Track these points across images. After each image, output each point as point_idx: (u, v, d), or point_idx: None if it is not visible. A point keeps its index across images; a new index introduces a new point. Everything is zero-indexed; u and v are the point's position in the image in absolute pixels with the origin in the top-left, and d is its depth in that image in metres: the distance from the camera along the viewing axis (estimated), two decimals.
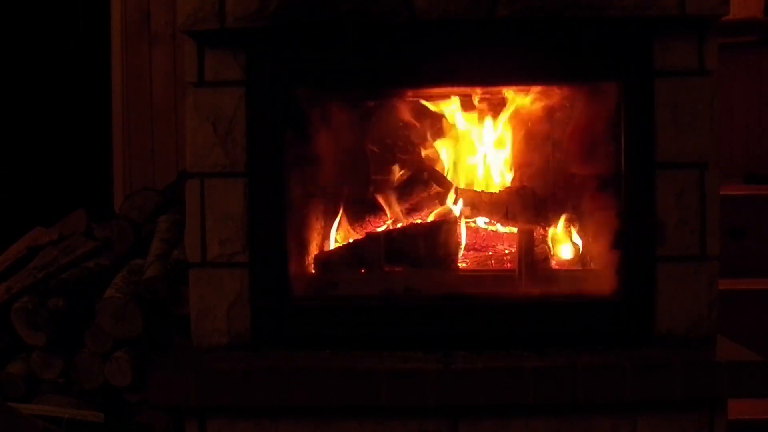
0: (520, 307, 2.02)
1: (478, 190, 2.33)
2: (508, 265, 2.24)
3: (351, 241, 2.29)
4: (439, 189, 2.30)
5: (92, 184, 3.66)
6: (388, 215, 2.33)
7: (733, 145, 3.60)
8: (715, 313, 1.97)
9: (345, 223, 2.32)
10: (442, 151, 2.37)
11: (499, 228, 2.32)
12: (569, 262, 2.23)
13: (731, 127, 3.56)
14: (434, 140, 2.36)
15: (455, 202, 2.29)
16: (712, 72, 1.96)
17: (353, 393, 1.86)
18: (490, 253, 2.30)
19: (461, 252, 2.23)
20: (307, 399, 1.87)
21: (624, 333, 1.99)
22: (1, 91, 3.74)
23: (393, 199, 2.33)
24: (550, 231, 2.25)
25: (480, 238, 2.32)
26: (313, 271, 2.19)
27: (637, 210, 1.98)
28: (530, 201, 2.24)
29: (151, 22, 3.52)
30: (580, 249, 2.23)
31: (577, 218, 2.22)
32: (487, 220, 2.32)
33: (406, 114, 2.35)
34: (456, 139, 2.35)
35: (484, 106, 2.32)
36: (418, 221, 2.32)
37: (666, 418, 1.89)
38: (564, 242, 2.24)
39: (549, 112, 2.27)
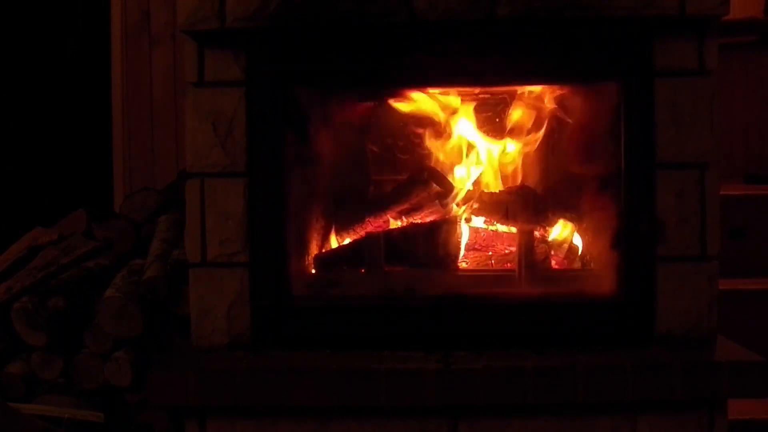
0: (520, 307, 2.02)
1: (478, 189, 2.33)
2: (508, 265, 2.24)
3: (350, 240, 2.28)
4: (439, 189, 2.30)
5: (92, 184, 3.66)
6: (388, 215, 2.33)
7: (733, 145, 3.60)
8: (715, 313, 1.97)
9: (345, 223, 2.32)
10: (442, 151, 2.37)
11: (499, 228, 2.31)
12: (569, 261, 2.23)
13: (731, 127, 3.55)
14: (434, 140, 2.36)
15: (455, 202, 2.28)
16: (712, 72, 1.96)
17: (353, 393, 1.86)
18: (490, 253, 2.30)
19: (461, 252, 2.23)
20: (307, 399, 1.87)
21: (624, 333, 1.99)
22: (0, 91, 3.74)
23: (393, 198, 2.33)
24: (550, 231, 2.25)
25: (480, 238, 2.31)
26: (313, 271, 2.19)
27: (637, 210, 1.98)
28: (530, 201, 2.24)
29: (151, 22, 3.52)
30: (580, 249, 2.23)
31: (575, 217, 2.22)
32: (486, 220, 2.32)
33: (405, 114, 2.34)
34: (455, 139, 2.35)
35: (483, 105, 2.32)
36: (418, 221, 2.31)
37: (666, 418, 1.89)
38: (564, 242, 2.24)
39: (549, 112, 2.27)
